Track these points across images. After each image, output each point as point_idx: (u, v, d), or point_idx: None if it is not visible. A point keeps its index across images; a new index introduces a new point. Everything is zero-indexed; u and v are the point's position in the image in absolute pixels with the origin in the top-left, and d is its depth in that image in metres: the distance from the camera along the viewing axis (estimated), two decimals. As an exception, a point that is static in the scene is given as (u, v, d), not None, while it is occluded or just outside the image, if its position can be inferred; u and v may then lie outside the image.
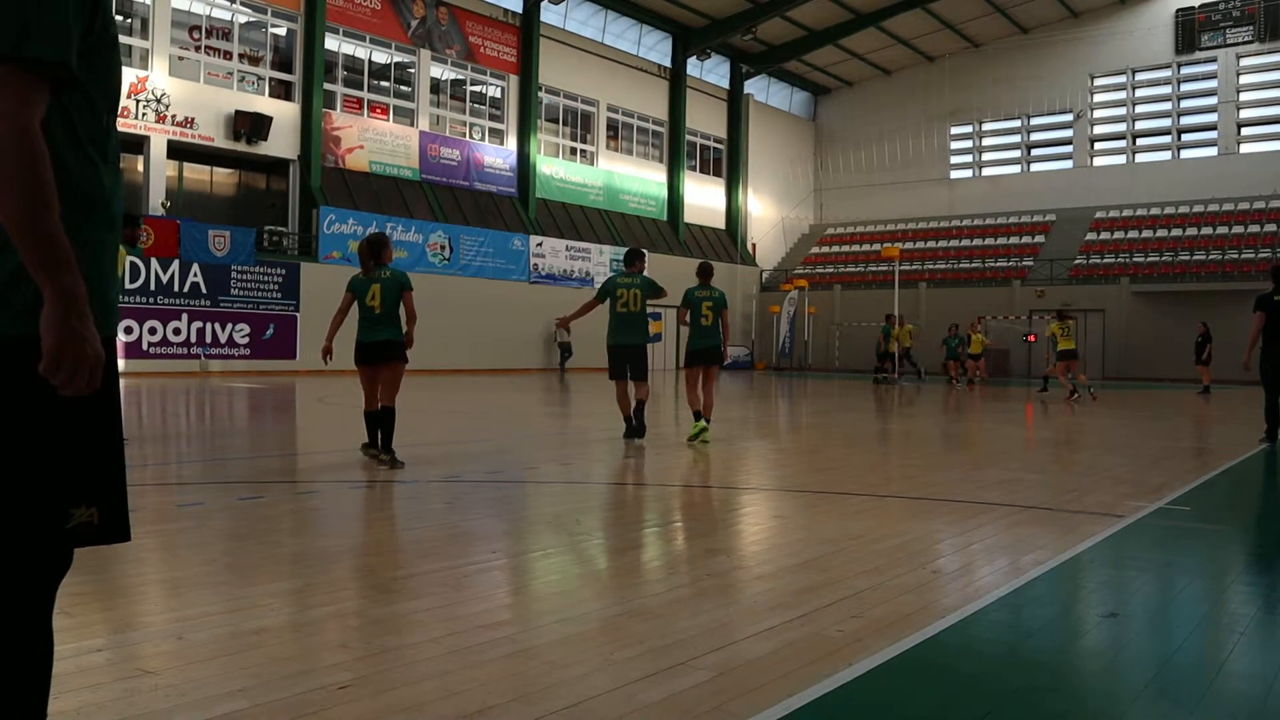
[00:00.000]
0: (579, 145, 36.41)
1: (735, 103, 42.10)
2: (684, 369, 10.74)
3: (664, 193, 39.53)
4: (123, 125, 24.04)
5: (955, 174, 43.09)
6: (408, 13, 30.20)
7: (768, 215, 44.55)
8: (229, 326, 24.84)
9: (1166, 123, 38.70)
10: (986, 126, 42.30)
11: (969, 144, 42.86)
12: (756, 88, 43.33)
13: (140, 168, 25.28)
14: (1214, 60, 37.29)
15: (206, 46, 26.02)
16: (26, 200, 1.60)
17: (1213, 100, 37.53)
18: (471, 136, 32.69)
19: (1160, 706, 2.95)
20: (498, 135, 33.40)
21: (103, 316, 1.80)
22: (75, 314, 1.64)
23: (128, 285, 22.24)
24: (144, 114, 24.38)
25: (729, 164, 42.34)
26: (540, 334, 31.99)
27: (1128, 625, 3.82)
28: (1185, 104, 38.38)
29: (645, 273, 10.67)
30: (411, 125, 30.67)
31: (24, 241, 1.62)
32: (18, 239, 1.62)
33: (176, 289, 23.73)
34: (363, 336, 7.90)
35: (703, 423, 10.14)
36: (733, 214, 42.40)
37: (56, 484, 1.77)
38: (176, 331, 23.63)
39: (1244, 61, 37.03)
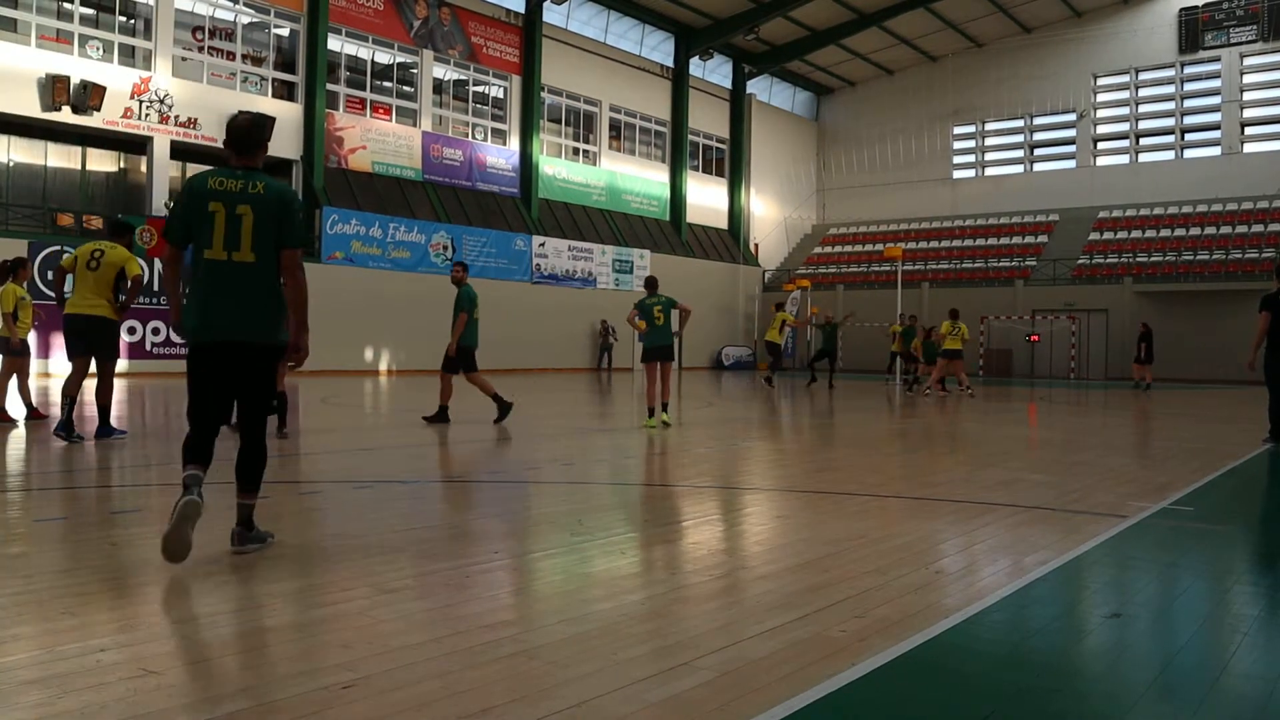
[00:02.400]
0: (581, 145, 36.42)
1: (738, 103, 42.10)
2: (643, 364, 12.56)
3: (666, 193, 39.54)
4: (125, 126, 24.11)
5: (958, 174, 43.07)
6: (410, 13, 30.22)
7: (770, 215, 44.55)
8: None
9: (1170, 122, 38.67)
10: (989, 126, 42.28)
11: (972, 144, 42.84)
12: (759, 88, 43.33)
13: (143, 168, 25.33)
14: (1218, 60, 37.25)
15: (209, 47, 26.05)
16: (307, 307, 4.74)
17: (1216, 100, 37.49)
18: (474, 137, 32.71)
19: (1163, 707, 2.95)
20: (500, 135, 33.42)
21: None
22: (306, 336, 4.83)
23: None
24: (147, 115, 24.42)
25: (731, 164, 42.34)
26: (543, 334, 31.98)
27: (1131, 626, 3.82)
28: (1188, 104, 38.35)
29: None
30: (414, 125, 30.69)
31: (299, 316, 4.76)
32: (298, 316, 4.75)
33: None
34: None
35: (652, 419, 11.99)
36: (735, 214, 42.40)
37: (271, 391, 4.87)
38: (154, 332, 23.64)
39: (1247, 61, 36.99)
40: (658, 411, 12.11)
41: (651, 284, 12.93)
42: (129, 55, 24.63)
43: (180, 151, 25.64)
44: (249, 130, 4.82)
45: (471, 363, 12.35)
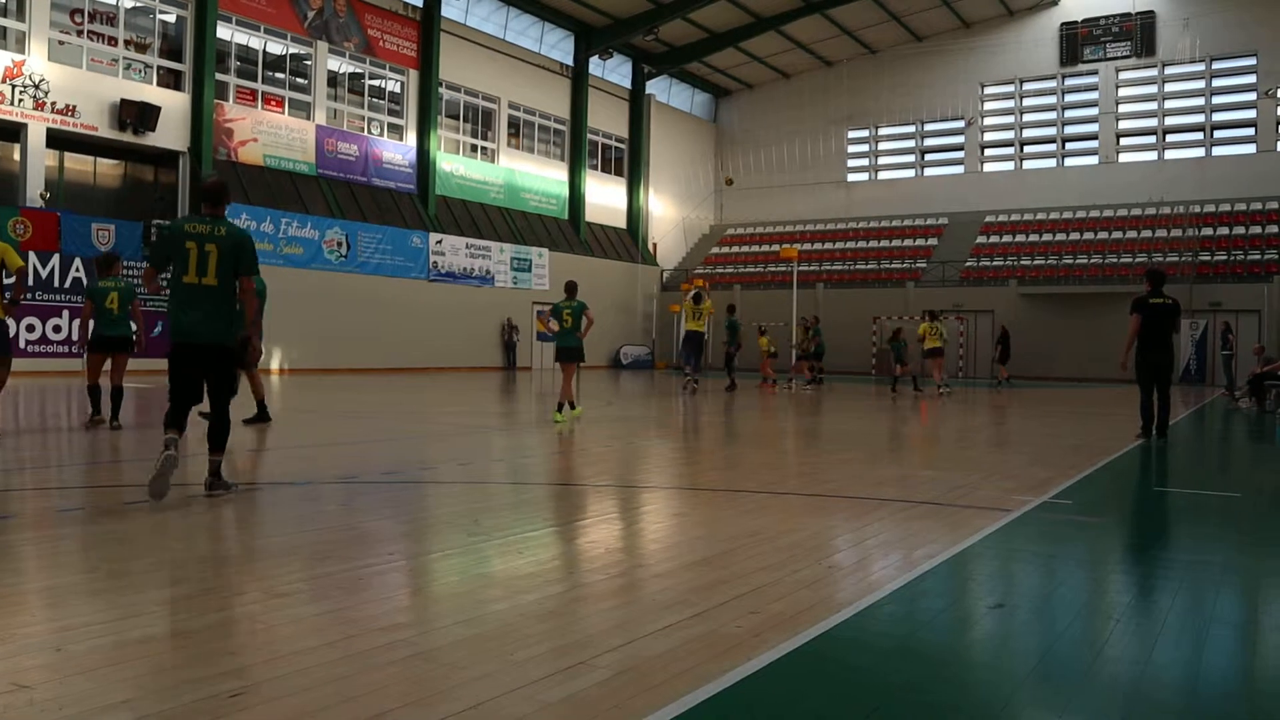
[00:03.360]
0: (480, 142, 36.08)
1: (637, 103, 42.26)
2: (556, 362, 13.57)
3: (565, 191, 39.46)
4: (-2, 112, 22.98)
5: (852, 177, 44.03)
6: (304, 3, 29.50)
7: (669, 215, 44.85)
8: (113, 323, 23.88)
9: (1052, 131, 40.21)
10: (882, 131, 43.32)
11: (866, 148, 43.83)
12: (658, 88, 43.57)
13: (16, 156, 24.16)
14: (1095, 73, 38.91)
15: (89, 31, 24.98)
16: (260, 317, 6.82)
17: (1094, 111, 39.15)
18: (370, 131, 32.12)
19: (1043, 692, 3.07)
20: (397, 131, 32.88)
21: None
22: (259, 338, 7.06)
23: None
24: (20, 100, 23.29)
25: (630, 164, 42.48)
26: (439, 333, 31.60)
27: (1013, 615, 3.96)
28: (1069, 114, 39.94)
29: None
30: (308, 119, 29.97)
31: (254, 323, 6.78)
32: (253, 323, 6.75)
33: (57, 284, 22.74)
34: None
35: (560, 413, 12.61)
36: (634, 213, 42.55)
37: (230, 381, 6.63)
38: (57, 329, 22.67)
39: (1122, 75, 38.72)
40: (565, 408, 12.68)
41: (571, 288, 13.51)
42: (0, 36, 23.46)
43: (57, 139, 24.51)
44: (219, 190, 6.51)
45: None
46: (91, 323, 10.53)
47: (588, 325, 13.13)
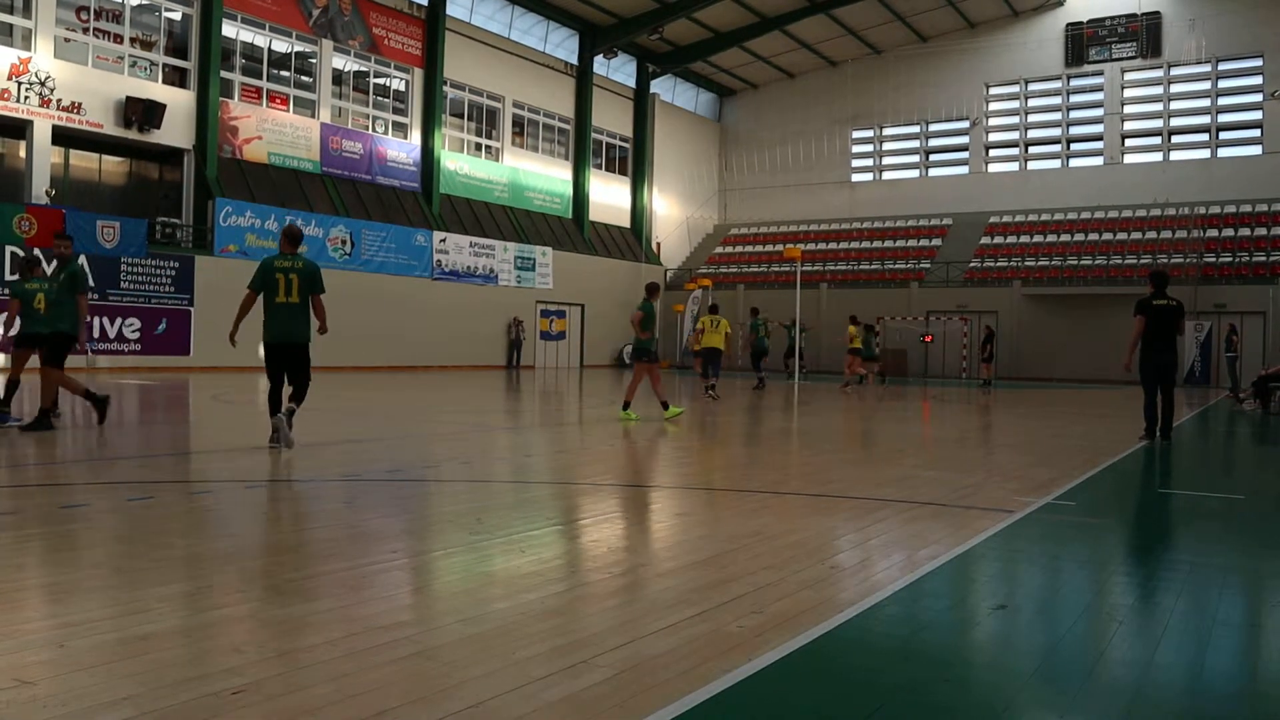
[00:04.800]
0: (484, 141, 36.09)
1: (641, 102, 42.25)
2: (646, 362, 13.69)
3: (569, 190, 39.46)
4: (3, 109, 23.02)
5: (856, 177, 44.00)
6: (309, 2, 29.53)
7: (672, 214, 44.84)
8: (118, 321, 23.95)
9: (1056, 132, 40.15)
10: (887, 131, 43.28)
11: (870, 148, 43.80)
12: (663, 88, 43.56)
13: (22, 154, 24.20)
14: (1101, 74, 38.85)
15: (95, 29, 25.02)
16: (326, 318, 9.00)
17: (1099, 112, 39.09)
18: (375, 130, 32.15)
19: (1045, 693, 3.06)
20: (401, 129, 32.91)
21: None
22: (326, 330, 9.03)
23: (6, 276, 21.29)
24: (26, 97, 23.34)
25: (634, 163, 42.47)
26: (443, 332, 31.60)
27: (1016, 616, 3.96)
28: (1074, 114, 39.90)
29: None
30: (312, 117, 30.01)
31: (323, 322, 8.97)
32: (323, 322, 8.97)
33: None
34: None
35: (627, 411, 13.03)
36: (637, 213, 42.55)
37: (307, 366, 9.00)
38: (61, 325, 22.70)
39: (1128, 76, 38.67)
40: (631, 408, 13.14)
41: (653, 289, 14.08)
42: (7, 34, 23.50)
43: (63, 137, 24.56)
44: (298, 235, 9.07)
45: (64, 355, 10.54)
46: (18, 320, 10.85)
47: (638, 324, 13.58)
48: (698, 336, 20.50)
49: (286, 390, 8.99)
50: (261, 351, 8.87)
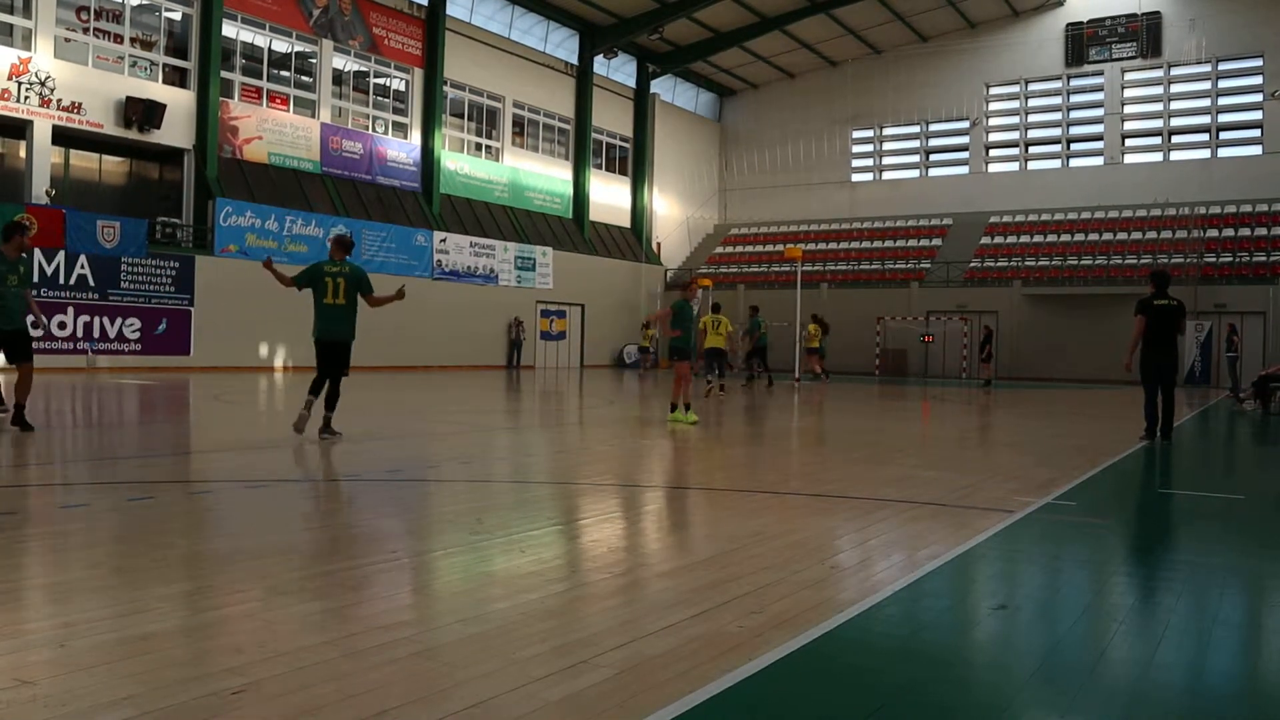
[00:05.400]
0: (484, 141, 36.09)
1: (642, 102, 42.25)
2: (684, 361, 13.27)
3: (569, 190, 39.46)
4: (3, 109, 23.02)
5: (856, 177, 43.99)
6: (309, 2, 29.53)
7: (673, 214, 44.84)
8: (119, 321, 23.95)
9: (1057, 132, 40.15)
10: (887, 131, 43.27)
11: (870, 148, 43.80)
12: (663, 88, 43.56)
13: (22, 153, 24.20)
14: (1101, 74, 38.85)
15: (95, 29, 25.02)
16: (386, 302, 10.18)
17: (1099, 112, 39.09)
18: (375, 130, 32.14)
19: (1045, 693, 3.06)
20: (401, 129, 32.91)
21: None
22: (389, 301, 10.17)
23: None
24: (26, 97, 23.34)
25: (635, 163, 42.47)
26: (443, 332, 31.60)
27: (1016, 616, 3.96)
28: (1074, 114, 39.89)
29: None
30: (312, 117, 30.00)
31: (387, 303, 10.12)
32: (386, 303, 10.11)
33: (62, 281, 22.78)
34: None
35: (675, 413, 12.81)
36: (638, 213, 42.55)
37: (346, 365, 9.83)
38: (62, 325, 22.71)
39: (1128, 76, 38.66)
40: (681, 409, 12.72)
41: (685, 285, 13.80)
42: (7, 33, 23.49)
43: (63, 137, 24.56)
44: (348, 243, 10.00)
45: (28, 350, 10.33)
46: None
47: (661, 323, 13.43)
48: (700, 337, 20.32)
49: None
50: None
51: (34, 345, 10.79)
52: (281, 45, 29.41)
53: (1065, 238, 37.34)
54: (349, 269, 9.79)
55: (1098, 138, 39.16)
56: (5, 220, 21.47)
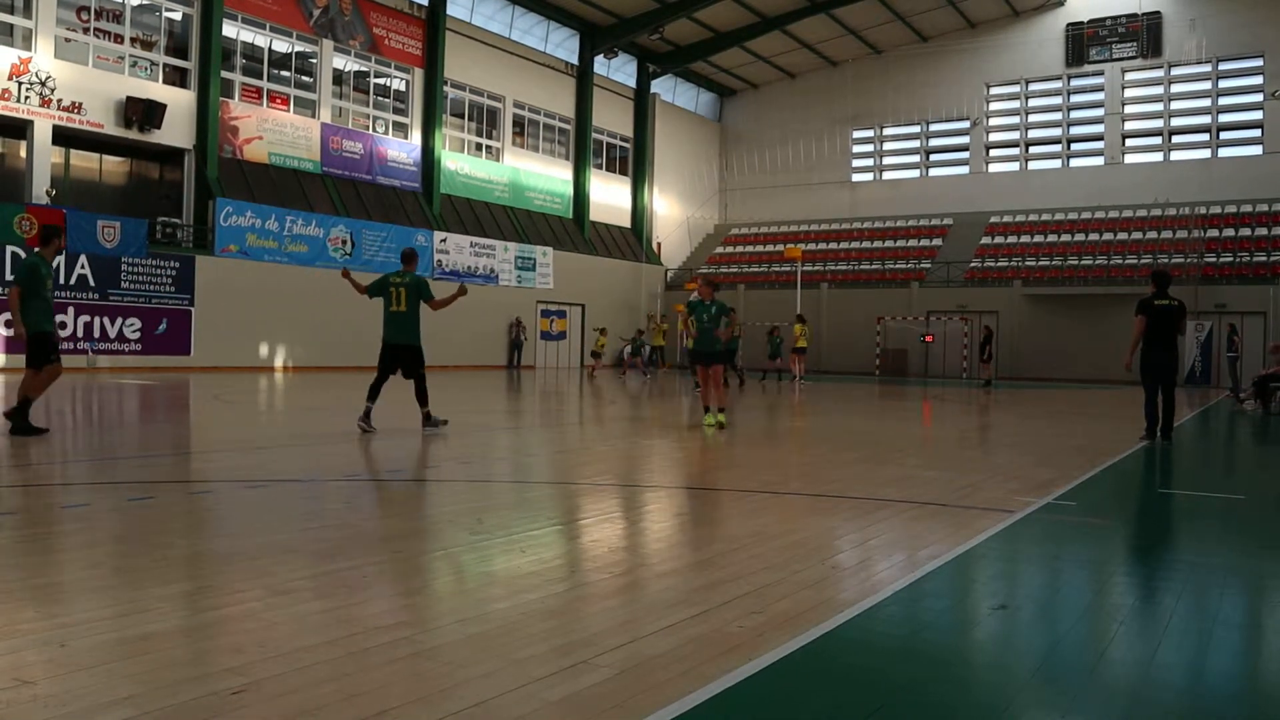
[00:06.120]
0: (484, 141, 36.10)
1: (642, 102, 42.26)
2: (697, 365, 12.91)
3: (569, 190, 39.46)
4: (3, 109, 23.02)
5: (857, 177, 44.00)
6: (310, 2, 29.54)
7: (673, 214, 44.85)
8: (119, 321, 23.96)
9: (1057, 132, 40.16)
10: (887, 131, 43.28)
11: (870, 148, 43.81)
12: (663, 88, 43.57)
13: (23, 154, 24.21)
14: (1101, 74, 38.85)
15: (96, 29, 25.03)
16: (446, 306, 11.18)
17: (1100, 112, 39.10)
18: (375, 130, 32.16)
19: (1046, 693, 3.06)
20: (402, 129, 32.91)
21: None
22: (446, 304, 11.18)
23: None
24: (27, 97, 23.35)
25: (635, 163, 42.48)
26: (443, 331, 31.57)
27: (1016, 616, 3.95)
28: (1074, 114, 39.91)
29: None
30: (313, 117, 30.01)
31: (446, 305, 11.12)
32: (446, 306, 11.06)
33: (62, 280, 22.79)
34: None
35: (709, 416, 12.34)
36: (638, 213, 42.56)
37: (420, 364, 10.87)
38: (62, 325, 22.71)
39: (1128, 76, 38.67)
40: (714, 412, 12.27)
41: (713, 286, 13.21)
42: (7, 34, 23.51)
43: (63, 137, 24.57)
44: (414, 256, 11.25)
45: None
46: None
47: (729, 329, 12.68)
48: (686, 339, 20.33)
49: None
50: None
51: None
52: (282, 45, 29.42)
53: (1065, 238, 37.34)
54: (410, 278, 10.83)
55: (1098, 138, 39.17)
56: (5, 220, 21.35)
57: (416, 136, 33.11)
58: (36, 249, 9.73)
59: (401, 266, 11.15)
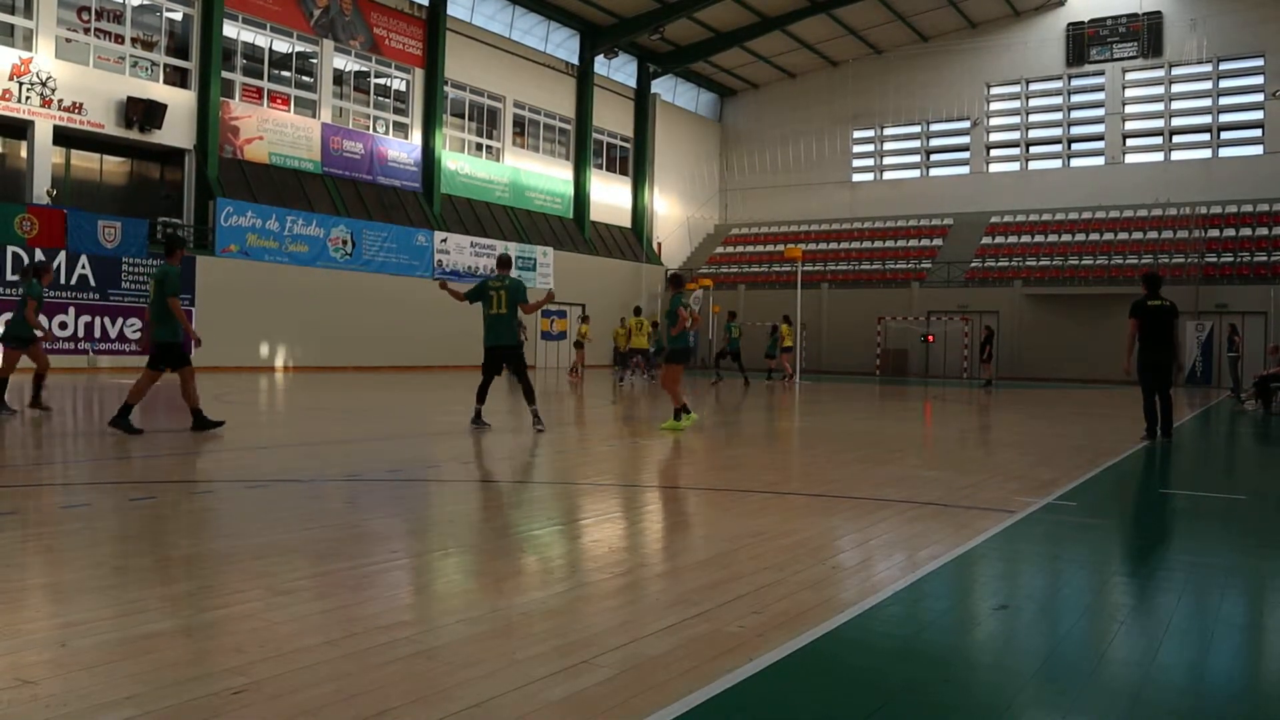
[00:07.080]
0: (485, 141, 36.10)
1: (642, 102, 42.26)
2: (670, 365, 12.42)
3: (570, 190, 39.47)
4: (3, 109, 23.03)
5: (857, 177, 44.00)
6: (310, 2, 29.54)
7: (673, 214, 44.85)
8: (119, 321, 23.96)
9: (1058, 132, 40.15)
10: (887, 131, 43.27)
11: (871, 148, 43.81)
12: (664, 88, 43.57)
13: (23, 154, 24.21)
14: (1102, 73, 38.84)
15: (96, 29, 25.04)
16: (531, 310, 11.60)
17: (1100, 112, 39.09)
18: (375, 130, 32.16)
19: (1047, 693, 3.06)
20: (402, 129, 32.91)
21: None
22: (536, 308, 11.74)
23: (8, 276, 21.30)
24: (28, 98, 23.35)
25: (635, 163, 42.48)
26: (444, 331, 31.60)
27: (1017, 616, 3.95)
28: (1075, 114, 39.90)
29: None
30: (313, 117, 30.02)
31: (531, 310, 11.55)
32: (531, 311, 11.58)
33: (63, 281, 22.80)
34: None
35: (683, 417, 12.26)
36: (638, 213, 42.56)
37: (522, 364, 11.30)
38: (63, 325, 22.71)
39: (1129, 76, 38.66)
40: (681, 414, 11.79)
41: (676, 281, 12.77)
42: (8, 34, 23.52)
43: (64, 137, 24.57)
44: (509, 262, 11.46)
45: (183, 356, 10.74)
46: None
47: (678, 325, 12.13)
48: (624, 338, 22.94)
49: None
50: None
51: (45, 346, 12.43)
52: (282, 45, 29.43)
53: (1066, 238, 37.33)
54: (509, 283, 11.10)
55: (1099, 138, 39.16)
56: (6, 220, 21.41)
57: (417, 136, 33.12)
58: (163, 260, 10.72)
59: (497, 271, 11.49)
